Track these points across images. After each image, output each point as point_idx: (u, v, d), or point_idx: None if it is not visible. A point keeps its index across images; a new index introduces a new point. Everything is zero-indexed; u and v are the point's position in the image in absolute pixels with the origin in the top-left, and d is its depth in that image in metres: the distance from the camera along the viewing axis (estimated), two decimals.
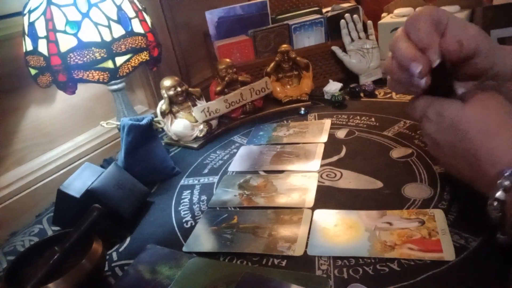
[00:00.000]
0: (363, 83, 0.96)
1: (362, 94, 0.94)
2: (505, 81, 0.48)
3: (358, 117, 0.83)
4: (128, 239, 0.59)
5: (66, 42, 0.64)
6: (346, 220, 0.53)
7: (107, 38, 0.66)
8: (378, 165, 0.65)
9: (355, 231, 0.51)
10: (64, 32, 0.64)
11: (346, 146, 0.73)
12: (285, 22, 1.03)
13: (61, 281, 0.45)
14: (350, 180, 0.63)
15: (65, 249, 0.49)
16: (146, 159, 0.72)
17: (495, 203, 0.39)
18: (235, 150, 0.80)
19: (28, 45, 0.67)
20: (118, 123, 0.72)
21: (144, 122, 0.71)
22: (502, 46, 0.49)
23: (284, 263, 0.49)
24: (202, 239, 0.55)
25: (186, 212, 0.63)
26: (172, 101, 0.86)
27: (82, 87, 0.74)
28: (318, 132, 0.80)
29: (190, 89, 0.88)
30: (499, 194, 0.39)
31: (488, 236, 0.46)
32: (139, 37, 0.71)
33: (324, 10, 1.11)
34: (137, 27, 0.71)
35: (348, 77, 1.01)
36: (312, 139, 0.77)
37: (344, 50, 1.00)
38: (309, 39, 1.04)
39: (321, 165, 0.68)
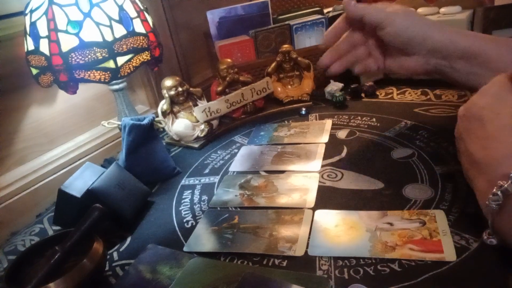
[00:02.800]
0: (364, 84, 0.95)
1: (363, 95, 0.94)
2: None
3: (359, 118, 0.83)
4: (129, 239, 0.59)
5: (67, 42, 0.64)
6: (347, 221, 0.53)
7: (109, 38, 0.66)
8: (379, 166, 0.65)
9: (356, 232, 0.51)
10: (66, 32, 0.64)
11: (347, 147, 0.73)
12: (287, 22, 1.03)
13: (62, 281, 0.45)
14: (351, 180, 0.63)
15: (66, 249, 0.49)
16: (147, 159, 0.72)
17: (499, 194, 0.39)
18: (236, 150, 0.80)
19: (29, 44, 0.68)
20: (119, 123, 0.72)
21: (145, 122, 0.71)
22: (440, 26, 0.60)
23: (285, 263, 0.49)
24: (203, 239, 0.55)
25: (187, 212, 0.63)
26: (173, 101, 0.86)
27: (83, 87, 0.74)
28: (319, 132, 0.80)
29: (191, 89, 0.88)
30: (508, 184, 0.38)
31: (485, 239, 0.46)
32: (141, 37, 0.71)
33: (325, 11, 1.11)
34: (139, 27, 0.71)
35: (349, 77, 1.01)
36: (313, 140, 0.77)
37: None
38: (310, 39, 1.04)
39: (322, 166, 0.68)
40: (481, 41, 0.56)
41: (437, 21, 0.63)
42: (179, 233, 0.58)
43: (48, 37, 0.64)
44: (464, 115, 0.47)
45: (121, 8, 0.69)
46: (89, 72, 0.67)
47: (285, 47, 0.94)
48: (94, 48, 0.65)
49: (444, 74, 0.60)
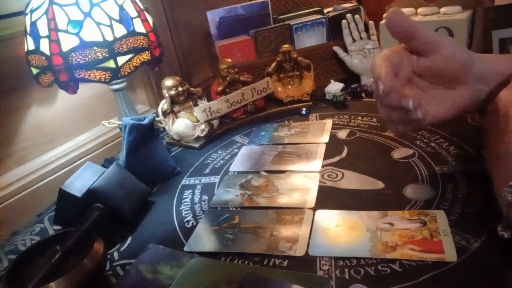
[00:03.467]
0: (364, 84, 0.95)
1: (363, 95, 0.94)
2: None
3: (360, 118, 0.83)
4: (129, 239, 0.59)
5: (68, 42, 0.64)
6: (348, 221, 0.53)
7: (109, 37, 0.66)
8: (380, 166, 0.64)
9: (356, 232, 0.51)
10: (66, 31, 0.64)
11: (348, 147, 0.73)
12: (287, 22, 1.03)
13: (63, 281, 0.45)
14: (351, 180, 0.63)
15: (66, 249, 0.49)
16: (148, 159, 0.72)
17: None
18: (236, 150, 0.80)
19: (30, 44, 0.67)
20: (120, 122, 0.72)
21: (145, 121, 0.71)
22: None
23: (285, 263, 0.49)
24: (204, 239, 0.55)
25: (187, 212, 0.63)
26: (173, 101, 0.86)
27: (84, 87, 0.74)
28: (320, 132, 0.80)
29: (191, 89, 0.88)
30: None
31: (489, 237, 0.46)
32: (141, 37, 0.71)
33: (325, 10, 1.11)
34: (139, 27, 0.71)
35: (350, 77, 1.01)
36: (313, 139, 0.77)
37: (345, 50, 1.00)
38: (311, 39, 1.04)
39: (323, 166, 0.68)
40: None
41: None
42: (179, 233, 0.58)
43: (48, 36, 0.64)
44: (492, 110, 0.47)
45: (121, 8, 0.69)
46: (89, 72, 0.67)
47: (285, 47, 0.94)
48: (95, 47, 0.65)
49: (482, 101, 0.51)
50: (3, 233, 0.68)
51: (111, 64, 0.68)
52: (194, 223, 0.59)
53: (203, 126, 0.85)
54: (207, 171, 0.74)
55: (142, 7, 0.74)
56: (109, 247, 0.57)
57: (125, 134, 0.70)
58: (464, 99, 0.49)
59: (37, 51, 0.66)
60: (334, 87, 0.94)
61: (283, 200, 0.60)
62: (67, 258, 0.50)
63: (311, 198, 0.60)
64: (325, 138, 0.77)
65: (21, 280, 0.48)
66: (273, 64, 0.95)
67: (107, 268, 0.54)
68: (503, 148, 0.44)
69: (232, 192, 0.65)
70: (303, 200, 0.59)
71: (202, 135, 0.85)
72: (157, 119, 0.76)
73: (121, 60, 0.68)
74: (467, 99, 0.49)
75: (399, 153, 0.67)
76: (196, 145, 0.84)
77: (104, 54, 0.66)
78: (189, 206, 0.64)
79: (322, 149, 0.73)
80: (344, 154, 0.71)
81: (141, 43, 0.71)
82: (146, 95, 1.05)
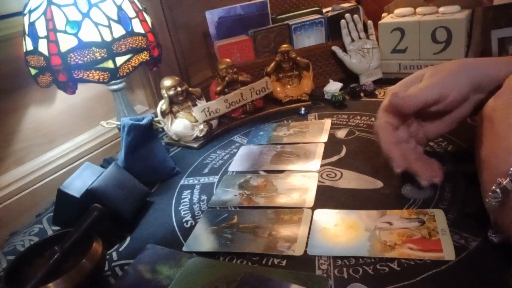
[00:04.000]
0: (363, 83, 0.95)
1: (362, 94, 0.94)
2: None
3: (358, 117, 0.83)
4: (128, 239, 0.59)
5: (66, 42, 0.64)
6: (346, 220, 0.53)
7: (108, 38, 0.66)
8: (378, 165, 0.64)
9: (355, 231, 0.51)
10: (65, 32, 0.64)
11: (346, 146, 0.73)
12: (286, 22, 1.03)
13: (61, 281, 0.45)
14: (350, 180, 0.63)
15: (65, 249, 0.49)
16: (146, 159, 0.72)
17: (498, 191, 0.39)
18: (235, 150, 0.80)
19: (28, 45, 0.68)
20: (118, 123, 0.72)
21: (144, 122, 0.71)
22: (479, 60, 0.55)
23: (284, 263, 0.49)
24: (202, 239, 0.55)
25: (186, 212, 0.63)
26: (172, 101, 0.86)
27: (82, 87, 0.74)
28: (318, 132, 0.80)
29: (190, 89, 0.88)
30: (506, 182, 0.39)
31: (488, 236, 0.46)
32: (140, 37, 0.71)
33: (324, 10, 1.11)
34: (138, 27, 0.71)
35: (348, 77, 1.01)
36: (312, 139, 0.77)
37: (344, 50, 1.00)
38: (309, 39, 1.04)
39: (321, 165, 0.68)
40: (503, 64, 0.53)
41: (464, 60, 0.55)
42: (178, 233, 0.58)
43: (47, 37, 0.64)
44: (480, 117, 0.48)
45: (119, 8, 0.69)
46: (88, 72, 0.67)
47: (284, 47, 0.94)
48: (93, 48, 0.65)
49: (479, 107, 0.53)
50: (2, 233, 0.68)
51: (109, 64, 0.68)
52: (193, 223, 0.59)
53: (201, 126, 0.85)
54: (206, 171, 0.74)
55: (140, 8, 0.74)
56: (108, 247, 0.57)
57: (124, 135, 0.70)
58: (464, 112, 0.55)
59: (35, 51, 0.66)
60: (333, 87, 0.94)
61: (282, 199, 0.60)
62: (66, 259, 0.50)
63: (310, 197, 0.60)
64: (324, 137, 0.77)
65: (19, 280, 0.48)
66: (272, 64, 0.95)
67: (106, 268, 0.54)
68: (487, 152, 0.44)
69: (231, 192, 0.65)
70: (302, 199, 0.59)
71: (201, 135, 0.85)
72: (155, 119, 0.76)
73: (120, 60, 0.68)
74: (467, 111, 0.55)
75: None
76: (195, 145, 0.84)
77: (102, 55, 0.66)
78: (188, 206, 0.64)
79: (321, 149, 0.73)
80: (342, 153, 0.71)
81: (140, 44, 0.71)
82: (145, 96, 1.05)
